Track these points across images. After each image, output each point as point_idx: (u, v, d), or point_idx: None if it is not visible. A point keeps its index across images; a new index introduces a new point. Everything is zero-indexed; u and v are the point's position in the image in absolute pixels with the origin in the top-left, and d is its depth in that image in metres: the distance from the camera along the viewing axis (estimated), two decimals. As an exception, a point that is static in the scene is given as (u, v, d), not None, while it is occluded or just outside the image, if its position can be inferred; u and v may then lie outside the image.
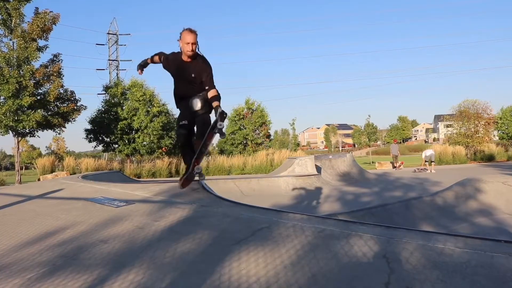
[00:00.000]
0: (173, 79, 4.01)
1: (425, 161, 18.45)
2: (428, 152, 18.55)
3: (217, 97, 3.70)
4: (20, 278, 2.05)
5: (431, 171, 17.61)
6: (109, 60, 45.97)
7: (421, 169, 18.56)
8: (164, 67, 3.99)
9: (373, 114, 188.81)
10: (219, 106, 3.61)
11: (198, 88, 3.78)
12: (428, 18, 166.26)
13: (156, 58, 4.07)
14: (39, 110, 17.94)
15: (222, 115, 3.61)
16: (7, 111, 17.04)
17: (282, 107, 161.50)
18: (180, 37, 3.74)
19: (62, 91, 19.14)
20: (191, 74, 3.78)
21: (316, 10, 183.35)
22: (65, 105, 19.16)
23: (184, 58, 3.79)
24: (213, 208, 3.25)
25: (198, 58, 3.80)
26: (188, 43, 3.66)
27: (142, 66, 4.26)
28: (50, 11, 18.14)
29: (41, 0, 79.72)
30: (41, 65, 18.43)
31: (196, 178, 4.00)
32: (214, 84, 3.75)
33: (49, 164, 20.93)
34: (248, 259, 2.08)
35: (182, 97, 3.95)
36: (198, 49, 3.77)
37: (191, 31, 3.70)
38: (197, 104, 3.71)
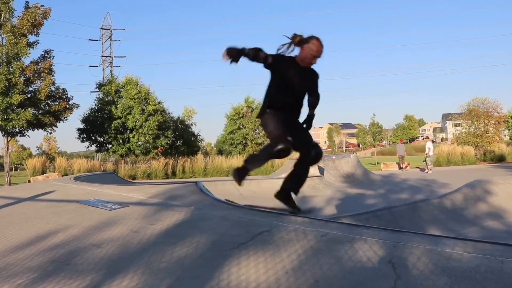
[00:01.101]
0: (277, 85, 3.44)
1: (424, 160, 18.59)
2: (432, 152, 18.59)
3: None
4: (10, 284, 2.05)
5: (429, 171, 17.74)
6: (102, 56, 46.01)
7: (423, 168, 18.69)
8: (276, 68, 3.39)
9: (378, 112, 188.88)
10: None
11: (303, 99, 3.55)
12: (435, 11, 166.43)
13: (262, 54, 3.28)
14: (29, 109, 17.94)
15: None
16: (-4, 110, 17.05)
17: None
18: (305, 42, 3.35)
19: (53, 89, 19.15)
20: (309, 81, 3.52)
21: (319, 3, 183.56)
22: (57, 103, 19.16)
23: (302, 64, 3.43)
24: (211, 211, 3.26)
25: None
26: (316, 57, 3.36)
27: (238, 54, 3.23)
28: (41, 5, 18.15)
29: (32, -6, 79.38)
30: (31, 62, 18.44)
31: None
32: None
33: (40, 165, 20.94)
34: (248, 264, 2.09)
35: (287, 108, 3.46)
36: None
37: (323, 45, 3.37)
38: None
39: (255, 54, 3.28)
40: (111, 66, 45.78)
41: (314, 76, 3.58)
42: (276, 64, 3.36)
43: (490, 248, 2.03)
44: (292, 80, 3.40)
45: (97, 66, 45.90)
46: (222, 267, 2.06)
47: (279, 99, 3.44)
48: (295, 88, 3.45)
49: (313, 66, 3.50)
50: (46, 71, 18.57)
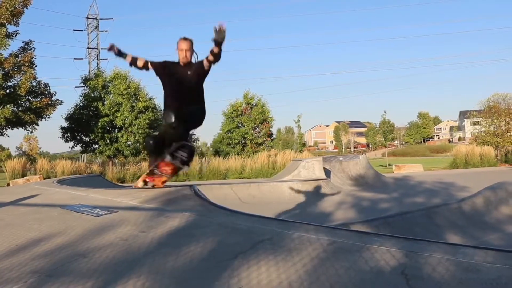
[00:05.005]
0: (165, 90, 4.43)
1: None
2: None
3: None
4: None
5: None
6: (88, 48, 46.04)
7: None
8: (158, 73, 4.41)
9: (389, 110, 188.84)
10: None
11: (196, 91, 4.37)
12: (452, 0, 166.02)
13: (141, 63, 4.33)
14: (8, 106, 17.98)
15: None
16: (-29, 107, 17.07)
17: (286, 102, 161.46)
18: (176, 46, 4.30)
19: (34, 84, 19.19)
20: (193, 74, 4.27)
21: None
22: (38, 99, 19.20)
23: (182, 63, 4.34)
24: (207, 217, 3.26)
25: (193, 64, 4.34)
26: (182, 49, 4.24)
27: (121, 54, 4.39)
28: (21, -7, 18.17)
29: (11, -20, 79.22)
30: (10, 54, 18.46)
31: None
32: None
33: (20, 167, 20.92)
34: (247, 275, 2.09)
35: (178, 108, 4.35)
36: (197, 58, 4.34)
37: (185, 38, 4.31)
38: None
39: (135, 60, 4.30)
40: (97, 59, 45.84)
41: (196, 66, 4.28)
42: (156, 71, 4.35)
43: (512, 258, 2.03)
44: (173, 82, 4.29)
45: (82, 58, 45.98)
46: (219, 279, 2.06)
47: (167, 103, 4.33)
48: (179, 88, 4.28)
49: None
50: (27, 64, 18.59)
